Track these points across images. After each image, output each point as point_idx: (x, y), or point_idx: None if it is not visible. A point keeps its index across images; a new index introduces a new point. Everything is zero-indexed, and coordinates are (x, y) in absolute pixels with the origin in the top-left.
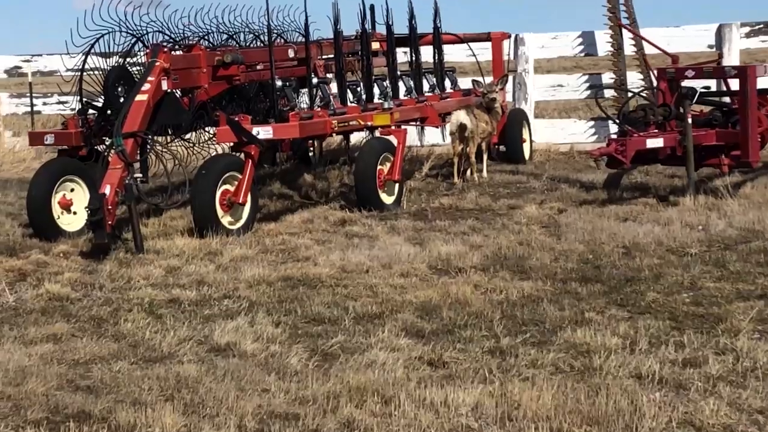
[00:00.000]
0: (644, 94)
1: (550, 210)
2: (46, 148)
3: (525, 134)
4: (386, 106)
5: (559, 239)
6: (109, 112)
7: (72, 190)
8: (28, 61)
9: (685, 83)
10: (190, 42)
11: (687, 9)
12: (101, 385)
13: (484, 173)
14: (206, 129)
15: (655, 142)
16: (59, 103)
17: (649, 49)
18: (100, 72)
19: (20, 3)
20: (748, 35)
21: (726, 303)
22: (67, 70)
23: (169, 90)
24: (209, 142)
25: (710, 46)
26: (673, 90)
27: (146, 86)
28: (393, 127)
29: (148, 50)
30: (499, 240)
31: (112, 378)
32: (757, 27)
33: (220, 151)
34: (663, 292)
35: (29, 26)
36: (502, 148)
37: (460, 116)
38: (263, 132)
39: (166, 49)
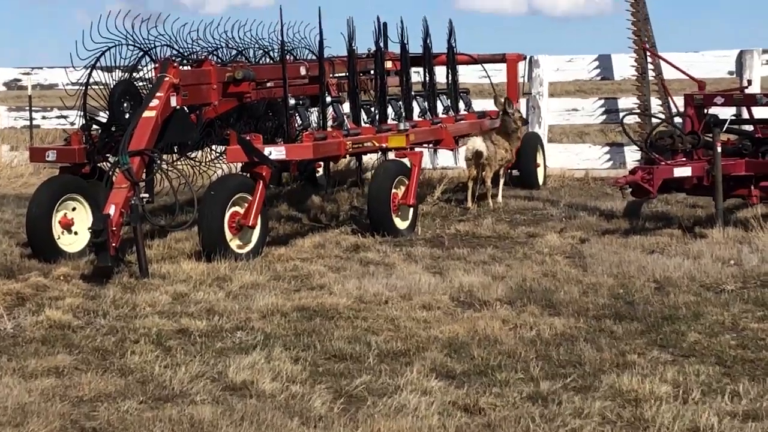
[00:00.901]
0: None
1: (572, 239)
2: (45, 164)
3: (539, 159)
4: (402, 127)
5: (585, 271)
6: (113, 128)
7: (74, 209)
8: (28, 73)
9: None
10: (200, 57)
11: (706, 34)
12: (108, 427)
13: (500, 198)
14: (213, 147)
15: (682, 171)
16: (59, 117)
17: (667, 75)
18: (105, 87)
19: (21, 15)
20: None
21: None
22: (71, 83)
23: (178, 106)
24: (216, 161)
25: (730, 73)
26: (701, 117)
27: (155, 102)
28: (408, 150)
29: (156, 65)
30: (523, 271)
31: (119, 419)
32: None
33: (227, 171)
34: (705, 333)
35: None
36: (515, 172)
37: (477, 143)
38: (275, 152)
39: (175, 64)
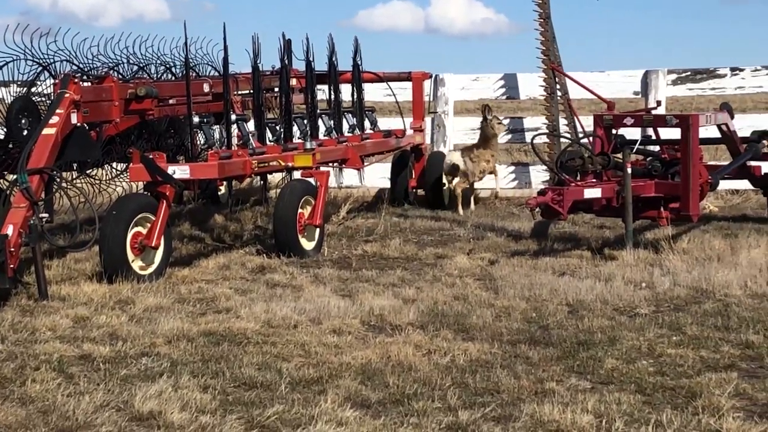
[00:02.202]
0: (576, 141)
1: (481, 261)
2: None
3: (444, 178)
4: (308, 146)
5: (497, 294)
6: (11, 145)
7: None
8: None
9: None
10: (101, 73)
11: (611, 55)
12: None
13: (472, 206)
14: (114, 165)
15: (593, 192)
16: None
17: (574, 95)
18: (2, 102)
19: None
20: (674, 82)
21: (694, 374)
22: None
23: (78, 123)
24: (117, 179)
25: (636, 93)
26: (610, 138)
27: (54, 119)
28: (315, 169)
29: (55, 80)
30: (434, 294)
31: None
32: (684, 74)
33: (127, 189)
34: (622, 359)
35: None
36: (420, 192)
37: (454, 157)
38: (180, 171)
39: (76, 80)
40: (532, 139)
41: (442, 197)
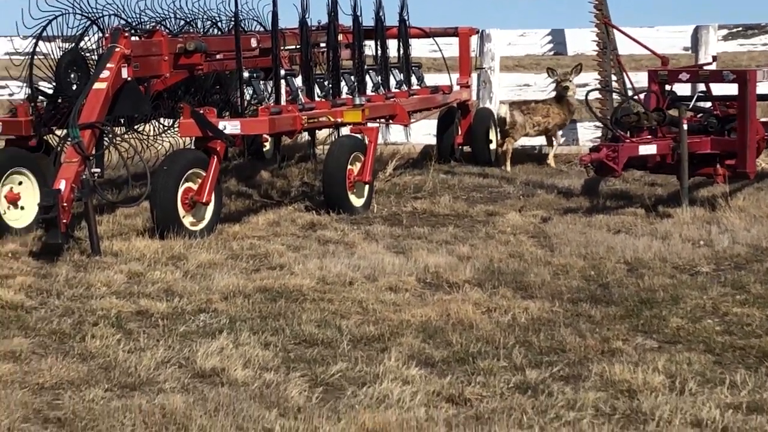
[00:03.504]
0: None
1: (534, 218)
2: None
3: (491, 135)
4: (357, 102)
5: (553, 252)
6: (60, 99)
7: (20, 183)
8: None
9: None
10: (148, 28)
11: (661, 9)
12: (74, 417)
13: (551, 161)
14: (160, 121)
15: (648, 149)
16: None
17: (622, 50)
18: (46, 57)
19: None
20: (725, 38)
21: (764, 333)
22: (15, 53)
23: (129, 78)
24: (164, 135)
25: (686, 49)
26: (664, 93)
27: (105, 73)
28: (364, 125)
29: (105, 35)
30: (489, 251)
31: (86, 409)
32: (735, 30)
33: (173, 145)
34: (687, 318)
35: None
36: (467, 148)
37: (501, 110)
38: (230, 127)
39: (126, 34)
40: (586, 94)
41: (489, 154)
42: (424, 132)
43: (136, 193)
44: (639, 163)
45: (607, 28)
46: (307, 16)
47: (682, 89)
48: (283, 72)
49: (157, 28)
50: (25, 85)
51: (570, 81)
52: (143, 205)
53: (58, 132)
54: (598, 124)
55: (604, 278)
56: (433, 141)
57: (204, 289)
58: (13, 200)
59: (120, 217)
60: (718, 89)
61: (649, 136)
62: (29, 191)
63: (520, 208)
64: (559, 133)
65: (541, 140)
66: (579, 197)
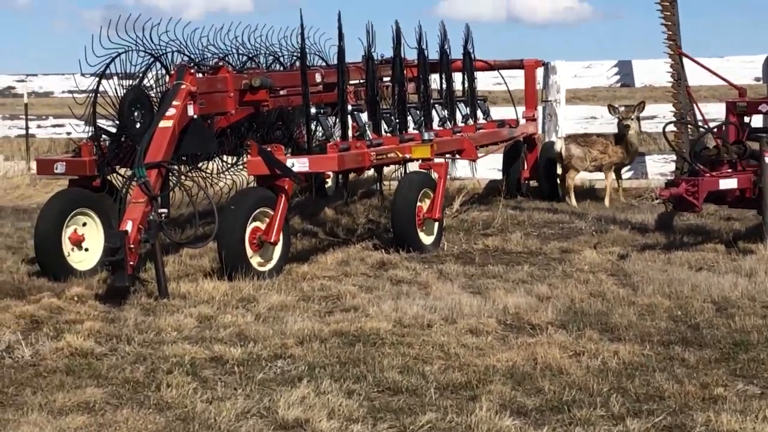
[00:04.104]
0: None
1: (610, 255)
2: (40, 175)
3: (559, 169)
4: (426, 137)
5: (635, 291)
6: (123, 138)
7: (84, 224)
8: (22, 81)
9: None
10: (210, 63)
11: (730, 39)
12: None
13: (606, 201)
14: (223, 158)
15: (728, 183)
16: (55, 126)
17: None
18: (97, 94)
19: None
20: None
21: None
22: (77, 91)
23: (195, 116)
24: (227, 173)
25: (757, 79)
26: (743, 125)
27: (171, 111)
28: (433, 160)
29: (171, 72)
30: (568, 291)
31: None
32: None
33: (236, 182)
34: None
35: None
36: (533, 183)
37: (557, 144)
38: (299, 164)
39: (192, 71)
40: (665, 127)
41: (557, 188)
42: (488, 166)
43: (200, 232)
44: (717, 197)
45: (681, 58)
46: (373, 49)
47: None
48: (349, 107)
49: (221, 64)
50: (84, 123)
51: (632, 119)
52: (209, 245)
53: (122, 171)
54: (668, 156)
55: (692, 319)
56: (498, 176)
57: (278, 333)
58: (77, 242)
59: (185, 257)
60: None
61: (729, 170)
62: (93, 232)
63: (595, 245)
64: (612, 173)
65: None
66: (654, 233)
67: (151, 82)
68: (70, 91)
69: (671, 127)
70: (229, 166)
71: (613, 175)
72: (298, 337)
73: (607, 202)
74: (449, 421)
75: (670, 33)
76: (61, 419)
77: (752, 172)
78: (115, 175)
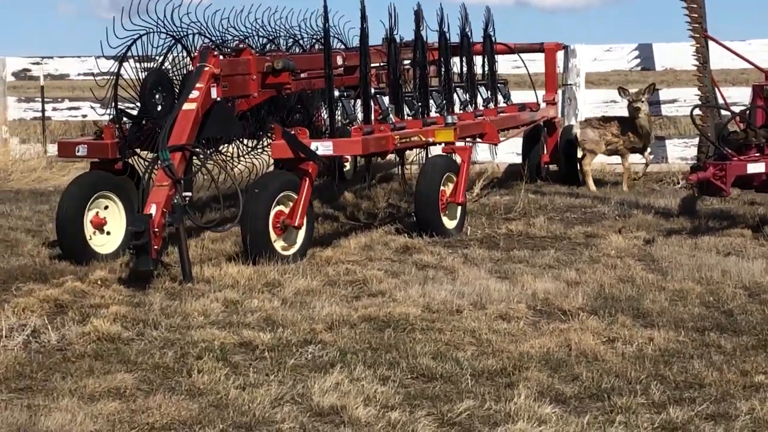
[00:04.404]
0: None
1: (636, 240)
2: (61, 158)
3: (579, 153)
4: (449, 120)
5: (665, 276)
6: (144, 121)
7: (106, 207)
8: (38, 63)
9: None
10: (231, 45)
11: (753, 22)
12: None
13: (624, 187)
14: (243, 142)
15: (756, 167)
16: (71, 108)
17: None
18: (112, 76)
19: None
20: None
21: None
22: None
23: (218, 98)
24: (249, 156)
25: None
26: None
27: (195, 94)
28: (457, 144)
29: (192, 54)
30: (597, 276)
31: None
32: None
33: (257, 166)
34: None
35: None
36: (553, 167)
37: (575, 129)
38: (323, 147)
39: (215, 53)
40: (692, 111)
41: (577, 173)
42: (508, 150)
43: (219, 215)
44: (742, 181)
45: (706, 41)
46: (396, 32)
47: None
48: (372, 90)
49: (243, 46)
50: (102, 106)
51: (642, 101)
52: (231, 229)
53: (143, 154)
54: (688, 140)
55: (725, 305)
56: (517, 160)
57: (306, 318)
58: (99, 225)
59: (207, 241)
60: None
61: (757, 154)
62: (115, 216)
63: (620, 230)
64: (631, 158)
65: (636, 158)
66: (679, 218)
67: (173, 64)
68: (87, 74)
69: (697, 111)
70: (249, 150)
71: (630, 159)
72: (327, 322)
73: (625, 186)
74: (487, 409)
75: (695, 15)
76: (92, 405)
77: None
78: (137, 158)
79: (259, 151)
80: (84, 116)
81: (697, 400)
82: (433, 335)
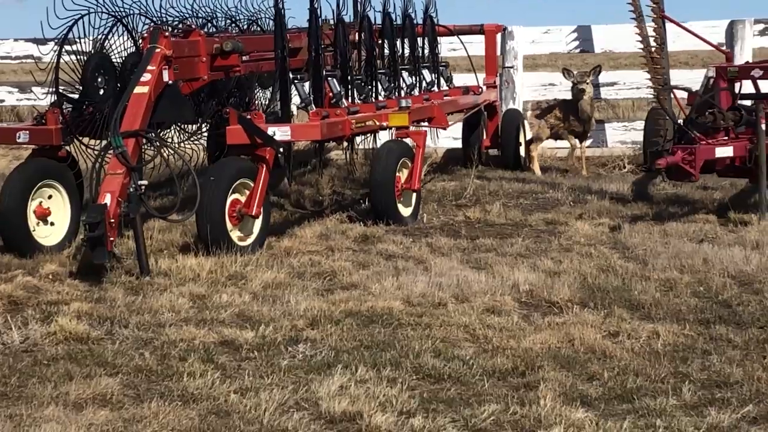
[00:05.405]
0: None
1: (601, 227)
2: (1, 144)
3: (521, 137)
4: (403, 104)
5: (645, 265)
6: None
7: (50, 197)
8: None
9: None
10: (173, 26)
11: (692, 4)
12: None
13: (584, 171)
14: (183, 127)
15: (724, 151)
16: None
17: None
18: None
19: None
20: (762, 33)
21: None
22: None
23: (170, 81)
24: (189, 141)
25: (720, 44)
26: (734, 92)
27: (147, 77)
28: (412, 128)
29: (134, 35)
30: (575, 265)
31: None
32: None
33: (200, 152)
34: None
35: None
36: (493, 151)
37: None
38: (280, 133)
39: (167, 34)
40: (657, 93)
41: (519, 158)
42: (445, 135)
43: (168, 203)
44: (706, 166)
45: (664, 22)
46: (343, 12)
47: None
48: (324, 73)
49: (192, 26)
50: (46, 90)
51: (587, 83)
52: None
53: (86, 141)
54: (628, 124)
55: (719, 295)
56: (455, 144)
57: (284, 314)
58: (43, 215)
59: (154, 231)
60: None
61: (725, 138)
62: (60, 205)
63: (579, 216)
64: (577, 142)
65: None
66: (636, 203)
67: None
68: (4, 57)
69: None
70: (189, 135)
71: (575, 142)
72: (307, 318)
73: (584, 171)
74: (513, 413)
75: None
76: (80, 415)
77: (747, 140)
78: (80, 144)
79: (199, 136)
80: (1, 101)
81: (732, 401)
82: (423, 331)
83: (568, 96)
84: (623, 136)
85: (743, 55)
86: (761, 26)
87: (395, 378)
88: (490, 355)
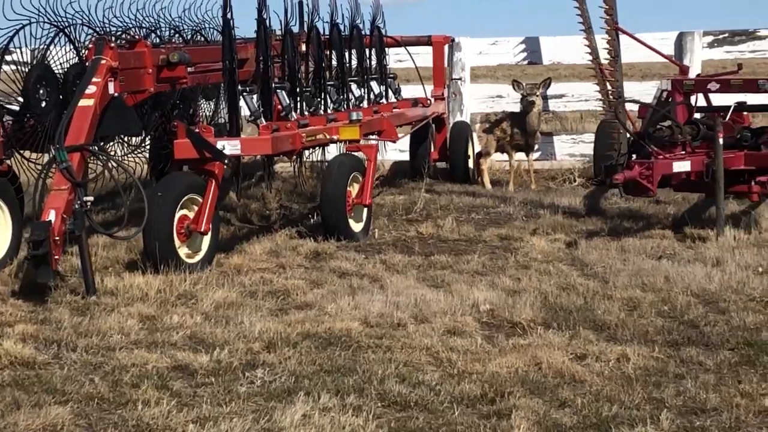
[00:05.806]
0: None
1: (557, 242)
2: None
3: (470, 150)
4: (354, 117)
5: (606, 283)
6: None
7: None
8: None
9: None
10: (117, 36)
11: (641, 16)
12: None
13: (511, 186)
14: (125, 140)
15: (681, 166)
16: None
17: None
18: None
19: None
20: (711, 45)
21: None
22: None
23: (116, 94)
24: (131, 156)
25: (669, 56)
26: (690, 105)
27: (92, 89)
28: (362, 142)
29: (77, 46)
30: (534, 283)
31: None
32: (721, 36)
33: (142, 165)
34: None
35: None
36: (441, 164)
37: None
38: (230, 147)
39: (113, 45)
40: (615, 105)
41: (468, 171)
42: (391, 147)
43: (109, 216)
44: (663, 180)
45: (617, 34)
46: (292, 23)
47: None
48: (273, 85)
49: (138, 37)
50: None
51: (537, 95)
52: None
53: (27, 155)
54: (576, 137)
55: (684, 315)
56: (402, 157)
57: (239, 336)
58: None
59: (99, 248)
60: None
61: (682, 152)
62: (0, 221)
63: (533, 231)
64: (523, 155)
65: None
66: (589, 218)
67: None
68: None
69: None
70: (133, 148)
71: (516, 156)
72: (263, 340)
73: (511, 186)
74: None
75: (607, 7)
76: None
77: (705, 154)
78: (22, 158)
79: (142, 150)
80: None
81: (712, 429)
82: (385, 354)
83: (517, 108)
84: (572, 149)
85: (693, 68)
86: (710, 38)
87: (360, 406)
88: (456, 381)
